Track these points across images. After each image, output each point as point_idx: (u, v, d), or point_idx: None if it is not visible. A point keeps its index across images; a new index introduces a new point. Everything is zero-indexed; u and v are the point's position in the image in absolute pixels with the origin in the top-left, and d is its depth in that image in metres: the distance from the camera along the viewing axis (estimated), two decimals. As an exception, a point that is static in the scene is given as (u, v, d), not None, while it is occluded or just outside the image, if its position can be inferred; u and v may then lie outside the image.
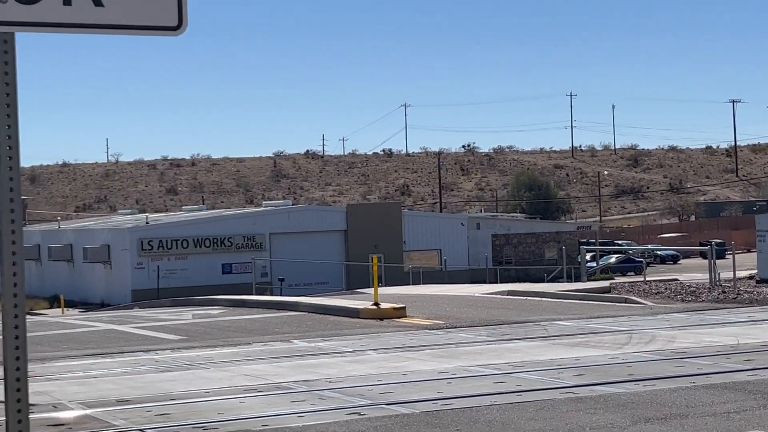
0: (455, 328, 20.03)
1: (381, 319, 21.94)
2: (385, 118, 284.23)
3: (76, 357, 17.12)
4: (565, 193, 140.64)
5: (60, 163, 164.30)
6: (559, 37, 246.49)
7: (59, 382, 13.96)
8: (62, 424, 10.77)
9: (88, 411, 11.55)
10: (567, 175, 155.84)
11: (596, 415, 10.23)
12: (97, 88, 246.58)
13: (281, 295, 47.36)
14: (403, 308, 22.72)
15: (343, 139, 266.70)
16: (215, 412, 11.17)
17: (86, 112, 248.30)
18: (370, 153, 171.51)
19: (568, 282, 45.56)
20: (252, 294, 40.81)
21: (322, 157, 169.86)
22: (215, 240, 61.32)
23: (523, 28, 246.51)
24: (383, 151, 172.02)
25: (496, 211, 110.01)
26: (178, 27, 5.00)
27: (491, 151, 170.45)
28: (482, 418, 10.29)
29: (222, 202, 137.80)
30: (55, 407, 11.82)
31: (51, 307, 54.69)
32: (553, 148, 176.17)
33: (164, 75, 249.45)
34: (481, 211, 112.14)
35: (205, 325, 22.50)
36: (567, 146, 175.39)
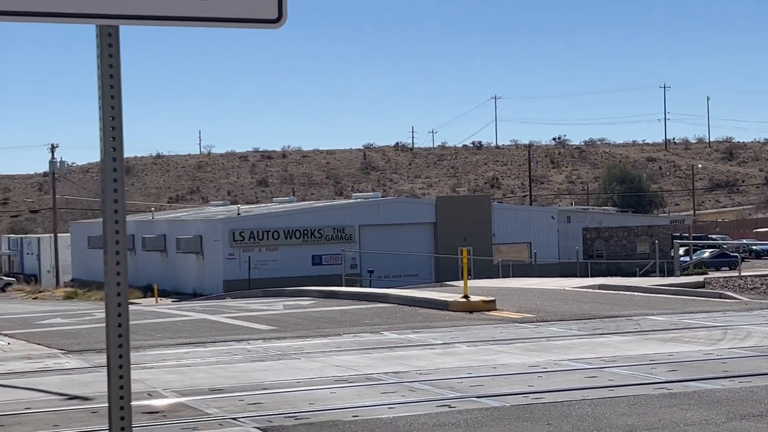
0: (546, 321, 19.89)
1: (470, 312, 21.88)
2: (475, 110, 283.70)
3: (170, 346, 17.38)
4: (657, 186, 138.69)
5: (154, 154, 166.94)
6: (653, 29, 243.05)
7: (154, 370, 14.18)
8: (157, 412, 10.94)
9: (182, 399, 11.73)
10: (660, 168, 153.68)
11: (690, 412, 10.08)
12: (191, 80, 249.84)
13: (370, 286, 47.51)
14: (493, 301, 22.64)
15: (433, 132, 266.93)
16: (306, 402, 11.26)
17: (179, 104, 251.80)
18: (460, 145, 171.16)
19: (660, 276, 44.97)
20: (341, 285, 41.02)
21: (411, 149, 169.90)
22: (305, 231, 61.74)
23: (616, 20, 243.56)
24: (473, 143, 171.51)
25: (587, 205, 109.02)
26: (278, 20, 5.03)
27: (582, 143, 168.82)
28: (574, 412, 10.21)
29: (312, 194, 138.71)
30: (150, 395, 12.02)
31: (144, 297, 55.62)
32: (646, 141, 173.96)
33: (255, 67, 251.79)
34: (571, 204, 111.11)
35: (295, 316, 22.67)
36: (660, 139, 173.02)
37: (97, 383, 13.21)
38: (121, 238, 4.58)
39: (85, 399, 11.99)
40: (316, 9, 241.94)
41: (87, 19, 4.76)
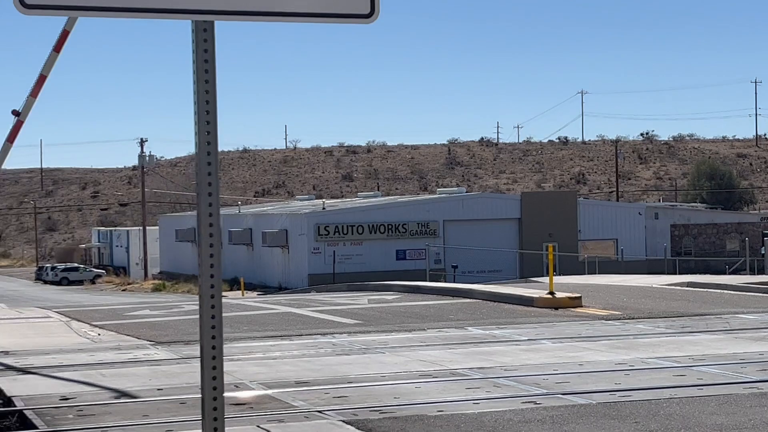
0: (632, 319, 19.66)
1: (556, 309, 21.73)
2: (561, 106, 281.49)
3: (256, 338, 17.54)
4: (748, 182, 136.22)
5: (240, 149, 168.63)
6: (745, 23, 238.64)
7: (240, 362, 14.33)
8: (243, 404, 11.06)
9: (268, 391, 11.83)
10: (750, 164, 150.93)
11: (782, 413, 9.89)
12: (277, 75, 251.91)
13: (454, 282, 47.44)
14: (579, 298, 22.45)
15: (518, 127, 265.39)
16: (391, 397, 11.28)
17: (266, 98, 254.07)
18: (545, 140, 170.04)
19: (750, 274, 44.17)
20: (425, 280, 41.01)
21: (496, 144, 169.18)
22: (390, 226, 61.87)
23: (706, 14, 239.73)
24: (559, 138, 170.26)
25: (675, 201, 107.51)
26: (370, 14, 5.05)
27: (671, 139, 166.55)
28: (661, 411, 10.08)
29: (396, 188, 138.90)
30: (237, 387, 12.15)
31: (231, 290, 56.26)
32: (736, 137, 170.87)
33: (341, 62, 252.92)
34: (659, 201, 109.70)
35: (380, 310, 22.73)
36: (751, 134, 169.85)
37: (185, 374, 13.40)
38: (215, 231, 4.64)
39: (173, 389, 12.17)
40: (402, 3, 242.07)
41: (183, 15, 4.82)
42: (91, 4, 4.70)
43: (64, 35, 18.55)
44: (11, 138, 19.21)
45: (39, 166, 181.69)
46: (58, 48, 18.67)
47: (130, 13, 4.72)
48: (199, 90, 4.90)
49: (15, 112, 19.23)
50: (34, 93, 18.99)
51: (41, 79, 18.94)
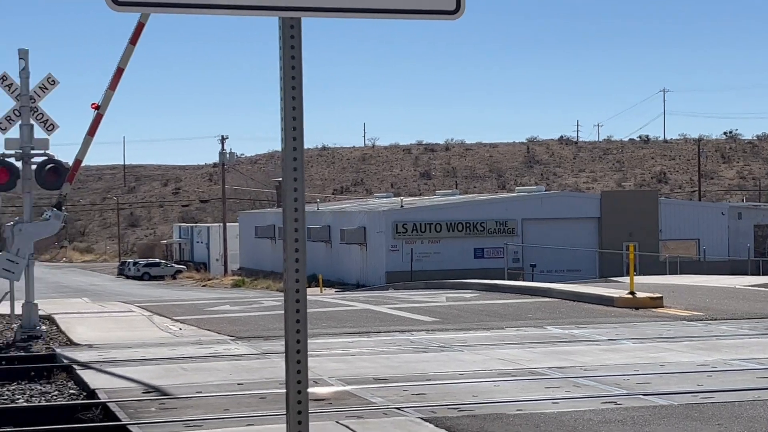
0: (715, 320, 19.38)
1: (636, 309, 21.50)
2: (642, 104, 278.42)
3: (335, 335, 17.62)
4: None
5: (319, 146, 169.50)
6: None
7: (319, 358, 14.40)
8: (322, 399, 11.12)
9: (347, 387, 11.89)
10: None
11: None
12: (356, 73, 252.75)
13: (533, 281, 47.19)
14: (660, 298, 22.19)
15: (598, 125, 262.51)
16: (470, 395, 11.26)
17: (345, 96, 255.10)
18: (626, 139, 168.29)
19: (836, 276, 43.22)
20: (504, 279, 40.83)
21: (576, 143, 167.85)
22: (468, 224, 61.73)
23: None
24: (640, 137, 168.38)
25: (759, 201, 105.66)
26: (456, 11, 5.04)
27: (755, 138, 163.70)
28: (745, 413, 9.93)
29: (475, 187, 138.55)
30: (316, 382, 12.22)
31: (309, 286, 56.62)
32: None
33: (419, 60, 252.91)
34: (742, 201, 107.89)
35: (458, 308, 22.70)
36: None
37: (264, 369, 13.52)
38: (300, 227, 4.67)
39: (253, 384, 12.28)
40: (482, 0, 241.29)
41: (270, 12, 4.86)
42: (180, 1, 4.77)
43: (140, 27, 18.80)
44: (92, 131, 19.53)
45: (122, 163, 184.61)
46: (134, 40, 18.93)
47: (217, 10, 4.76)
48: (285, 87, 4.94)
49: (94, 106, 19.55)
50: (113, 86, 19.28)
51: (119, 71, 19.22)
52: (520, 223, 62.36)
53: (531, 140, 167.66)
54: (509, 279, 41.97)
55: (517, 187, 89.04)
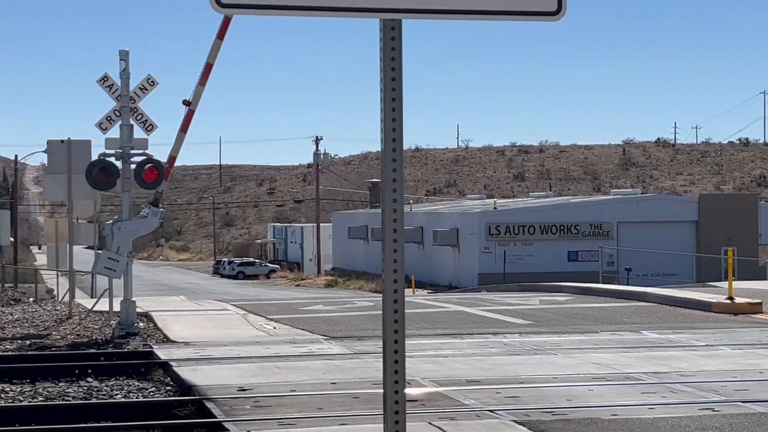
0: (816, 327, 18.93)
1: (735, 314, 21.09)
2: (742, 106, 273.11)
3: (428, 336, 17.61)
4: None
5: (413, 147, 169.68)
6: None
7: (412, 359, 14.37)
8: (415, 400, 11.12)
9: (440, 389, 11.88)
10: None
11: None
12: (450, 74, 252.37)
13: (627, 284, 46.59)
14: (759, 304, 21.74)
15: (696, 127, 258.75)
16: (563, 399, 11.17)
17: (439, 97, 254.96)
18: (725, 142, 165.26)
19: None
20: (598, 282, 40.39)
21: (673, 145, 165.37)
22: (561, 227, 61.25)
23: None
24: (739, 139, 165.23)
25: None
26: (557, 12, 5.00)
27: None
28: None
29: (569, 189, 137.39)
30: (409, 383, 12.17)
31: (402, 287, 56.62)
32: None
33: (513, 61, 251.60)
34: None
35: (551, 311, 22.52)
36: None
37: (357, 369, 13.58)
38: (398, 227, 4.68)
39: (347, 384, 12.34)
40: (579, 1, 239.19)
41: (371, 13, 4.88)
42: (282, 4, 4.81)
43: (226, 22, 19.02)
44: (184, 127, 19.83)
45: (218, 163, 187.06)
46: (221, 35, 19.15)
47: (318, 12, 4.80)
48: (385, 88, 4.95)
49: (186, 102, 19.84)
50: (202, 82, 19.55)
51: (208, 67, 19.47)
52: (615, 226, 61.65)
53: (627, 142, 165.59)
54: (603, 282, 41.48)
55: (612, 190, 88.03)
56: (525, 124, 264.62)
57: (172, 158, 19.88)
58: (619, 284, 44.16)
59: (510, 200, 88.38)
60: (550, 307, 23.57)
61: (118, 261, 18.83)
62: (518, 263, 59.63)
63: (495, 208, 65.87)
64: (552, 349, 15.66)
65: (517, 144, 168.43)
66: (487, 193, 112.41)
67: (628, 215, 62.06)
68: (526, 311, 22.56)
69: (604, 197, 75.16)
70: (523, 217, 62.27)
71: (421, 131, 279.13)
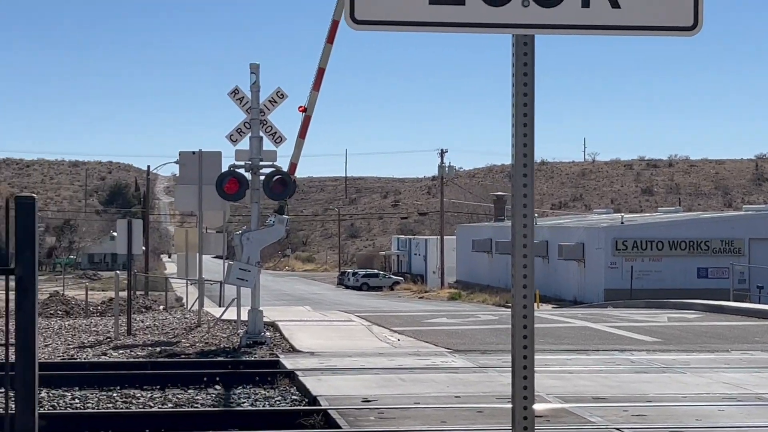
0: None
1: None
2: None
3: (553, 351, 17.46)
4: None
5: (539, 161, 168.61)
6: None
7: (537, 375, 14.08)
8: (541, 416, 11.02)
9: (565, 405, 11.75)
10: None
11: None
12: (577, 86, 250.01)
13: (759, 302, 45.41)
14: None
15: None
16: (692, 418, 10.94)
17: (565, 111, 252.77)
18: None
19: None
20: (728, 300, 39.47)
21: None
22: (691, 243, 60.06)
23: None
24: None
25: None
26: (693, 27, 4.92)
27: None
28: None
29: (699, 204, 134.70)
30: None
31: (526, 302, 56.20)
32: None
33: (641, 73, 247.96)
34: None
35: (680, 329, 22.11)
36: None
37: (481, 383, 13.53)
38: (528, 242, 4.66)
39: (470, 397, 12.31)
40: (712, 13, 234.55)
41: (504, 29, 4.88)
42: (416, 20, 4.85)
43: (335, 25, 19.20)
44: (302, 133, 20.10)
45: (343, 175, 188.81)
46: (330, 39, 19.34)
47: (452, 28, 4.82)
48: (517, 104, 4.94)
49: (302, 109, 20.10)
50: (316, 87, 19.78)
51: (320, 72, 19.69)
52: (747, 243, 60.17)
53: (760, 157, 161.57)
54: (734, 300, 40.53)
55: (744, 206, 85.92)
56: (654, 137, 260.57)
57: (293, 165, 20.17)
58: (750, 302, 43.09)
59: (637, 215, 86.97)
60: (679, 325, 23.14)
61: (249, 271, 19.13)
62: (645, 279, 58.64)
63: (622, 222, 64.92)
64: (680, 368, 15.37)
65: (646, 158, 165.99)
66: (614, 208, 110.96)
67: (760, 232, 60.47)
68: (653, 328, 22.20)
69: (736, 213, 73.40)
70: (652, 232, 61.23)
71: (547, 144, 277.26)
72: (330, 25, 19.28)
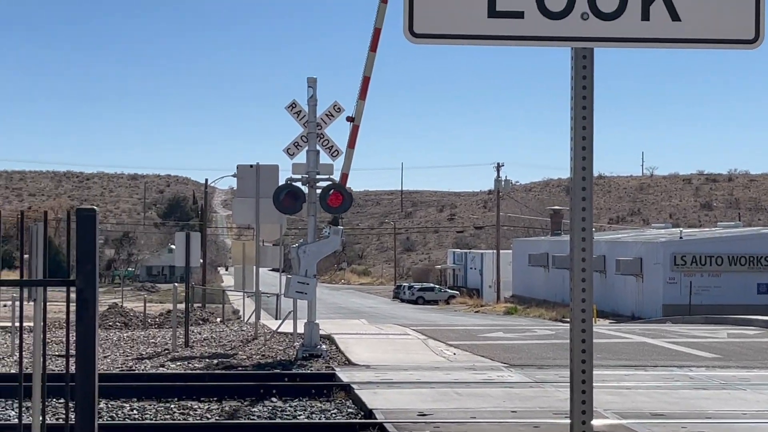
0: None
1: None
2: None
3: (610, 367, 17.31)
4: None
5: (596, 175, 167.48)
6: None
7: (594, 390, 14.15)
8: (597, 432, 10.93)
9: (623, 421, 11.64)
10: None
11: None
12: (634, 102, 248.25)
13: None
14: None
15: None
16: (753, 436, 10.79)
17: (623, 124, 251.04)
18: None
19: None
20: (790, 316, 38.88)
21: None
22: (751, 258, 59.31)
23: None
24: None
25: None
26: (754, 40, 4.87)
27: None
28: None
29: (759, 219, 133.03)
30: (591, 414, 12.02)
31: (583, 316, 55.76)
32: None
33: (700, 87, 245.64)
34: None
35: (740, 345, 21.83)
36: None
37: (538, 398, 13.45)
38: (587, 257, 4.64)
39: (527, 413, 12.24)
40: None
41: (563, 42, 4.87)
42: (475, 33, 4.85)
43: (377, 33, 19.28)
44: (351, 143, 20.20)
45: (399, 189, 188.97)
46: (373, 47, 19.43)
47: (511, 42, 4.82)
48: (575, 117, 4.92)
49: (349, 119, 20.19)
50: (362, 95, 19.87)
51: (365, 80, 19.78)
52: (808, 258, 59.28)
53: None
54: (795, 317, 39.91)
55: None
56: (713, 151, 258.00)
57: (344, 175, 20.25)
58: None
59: (696, 230, 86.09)
60: (739, 341, 22.84)
61: (307, 284, 19.20)
62: (704, 294, 57.97)
63: (681, 237, 64.26)
64: (741, 384, 15.17)
65: (705, 172, 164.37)
66: (672, 222, 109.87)
67: (822, 247, 59.59)
68: (713, 344, 21.93)
69: (797, 228, 72.35)
70: (711, 247, 60.54)
71: (605, 158, 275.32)
72: (372, 33, 19.39)
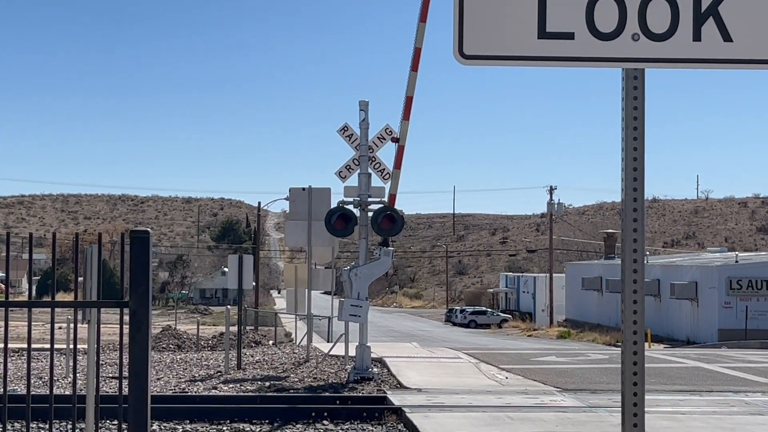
0: None
1: None
2: None
3: (664, 392, 17.13)
4: None
5: (650, 198, 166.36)
6: None
7: (648, 415, 13.97)
8: (651, 457, 10.80)
9: (677, 447, 11.50)
10: None
11: None
12: (689, 123, 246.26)
13: None
14: None
15: None
16: (811, 463, 10.61)
17: (677, 146, 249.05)
18: None
19: None
20: None
21: None
22: (809, 282, 58.45)
23: None
24: None
25: None
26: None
27: None
28: None
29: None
30: (644, 440, 11.89)
31: (637, 341, 55.25)
32: None
33: (756, 109, 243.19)
34: None
35: (797, 371, 21.50)
36: None
37: (591, 423, 13.32)
38: (639, 278, 4.60)
39: (579, 438, 12.13)
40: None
41: (613, 63, 4.85)
42: (526, 54, 4.85)
43: (417, 53, 19.31)
44: (397, 164, 20.22)
45: (451, 212, 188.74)
46: (414, 67, 19.49)
47: (562, 63, 4.81)
48: (626, 138, 4.90)
49: (394, 139, 20.21)
50: (406, 116, 19.90)
51: (408, 100, 19.81)
52: None
53: None
54: None
55: None
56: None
57: (392, 196, 20.27)
58: None
59: (753, 254, 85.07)
60: (796, 366, 22.50)
61: (361, 306, 19.22)
62: (761, 319, 57.21)
63: (737, 261, 63.52)
64: (798, 411, 14.92)
65: (761, 195, 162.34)
66: (728, 246, 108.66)
67: None
68: (769, 370, 21.63)
69: None
70: (767, 271, 59.79)
71: (659, 181, 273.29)
72: (413, 52, 19.46)
